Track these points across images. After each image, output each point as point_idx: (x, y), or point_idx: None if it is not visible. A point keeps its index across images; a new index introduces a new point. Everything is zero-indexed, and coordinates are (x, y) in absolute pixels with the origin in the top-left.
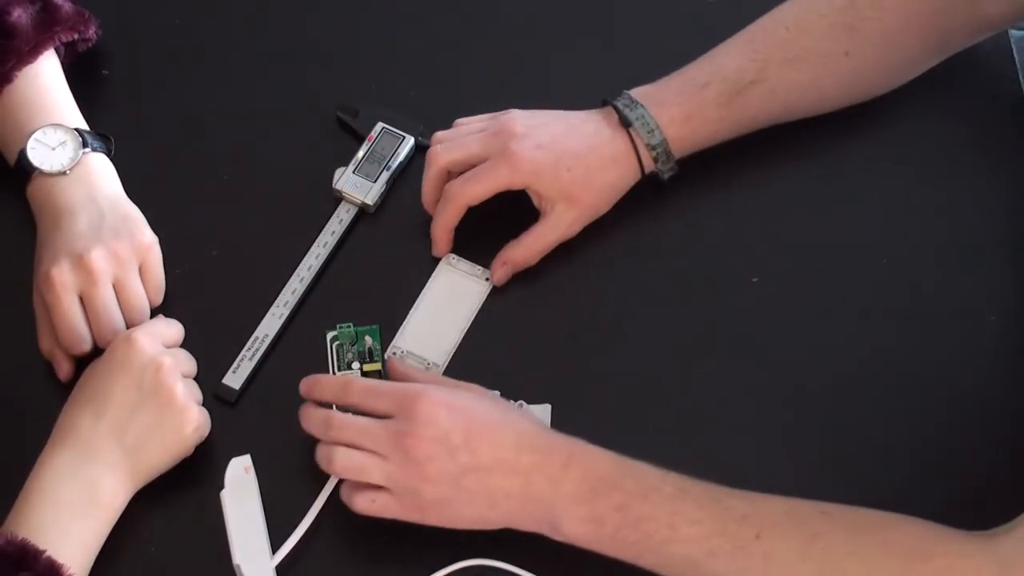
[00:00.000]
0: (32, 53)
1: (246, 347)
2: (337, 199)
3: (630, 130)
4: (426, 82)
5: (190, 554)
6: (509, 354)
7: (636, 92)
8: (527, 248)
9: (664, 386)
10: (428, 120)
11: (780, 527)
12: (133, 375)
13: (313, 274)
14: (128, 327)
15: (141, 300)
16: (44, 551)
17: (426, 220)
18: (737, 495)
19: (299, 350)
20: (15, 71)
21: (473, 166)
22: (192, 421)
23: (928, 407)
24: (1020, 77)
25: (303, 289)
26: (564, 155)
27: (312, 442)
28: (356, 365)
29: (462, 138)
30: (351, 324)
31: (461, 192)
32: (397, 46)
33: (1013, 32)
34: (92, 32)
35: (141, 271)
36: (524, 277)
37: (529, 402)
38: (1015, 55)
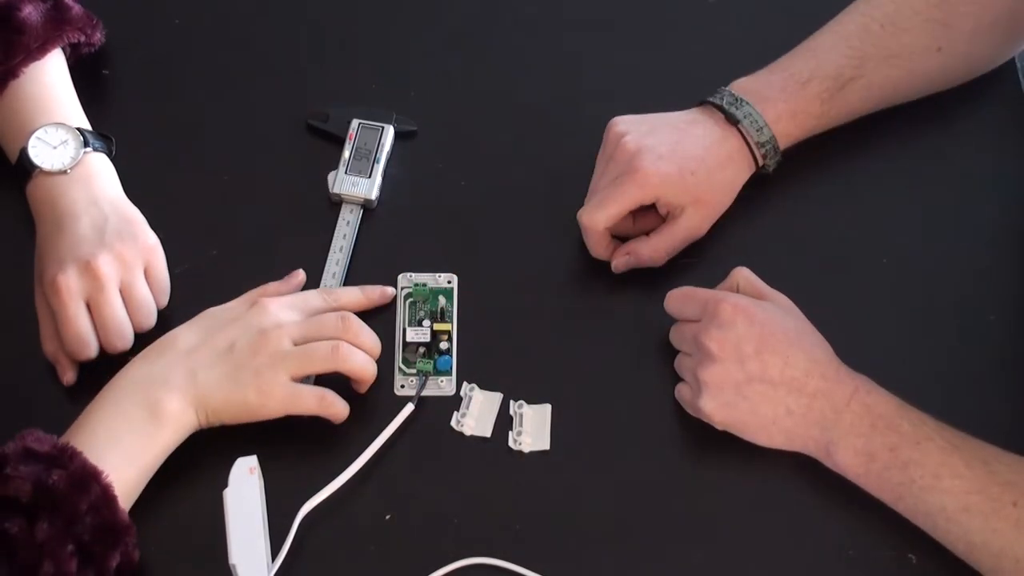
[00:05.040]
0: (40, 50)
1: None
2: (336, 202)
3: (739, 127)
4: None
5: (190, 554)
6: (510, 354)
7: (736, 87)
8: (654, 248)
9: (665, 385)
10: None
11: None
12: (246, 329)
13: (339, 282)
14: (135, 330)
15: (148, 303)
16: (80, 452)
17: (426, 207)
18: (1006, 460)
19: None
20: (22, 67)
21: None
22: (274, 397)
23: (928, 407)
24: (1020, 77)
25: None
26: (686, 161)
27: (314, 441)
28: (427, 323)
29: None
30: (426, 283)
31: (598, 219)
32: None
33: None
34: (98, 36)
35: (146, 273)
36: (528, 279)
37: (529, 402)
38: (1015, 55)
